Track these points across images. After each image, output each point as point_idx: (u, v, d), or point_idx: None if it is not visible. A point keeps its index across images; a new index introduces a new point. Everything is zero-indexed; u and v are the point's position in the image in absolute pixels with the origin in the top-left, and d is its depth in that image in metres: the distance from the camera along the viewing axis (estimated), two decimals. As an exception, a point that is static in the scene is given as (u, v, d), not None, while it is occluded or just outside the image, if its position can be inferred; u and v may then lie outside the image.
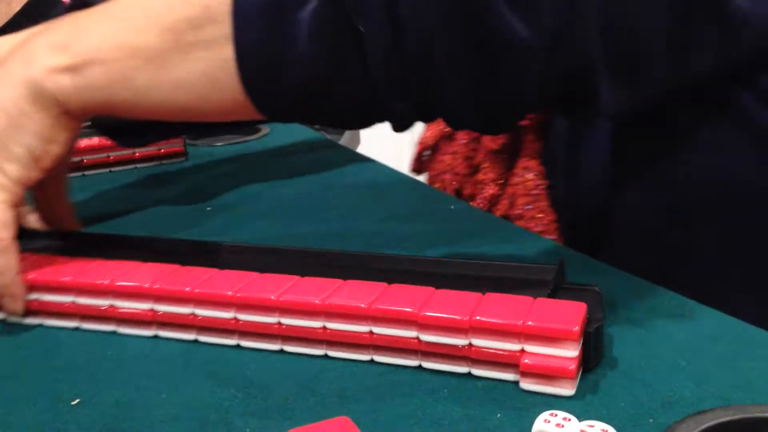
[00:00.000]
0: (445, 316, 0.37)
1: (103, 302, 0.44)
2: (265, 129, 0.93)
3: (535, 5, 0.39)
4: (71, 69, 0.45)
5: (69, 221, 0.57)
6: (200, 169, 0.81)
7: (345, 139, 1.21)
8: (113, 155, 0.80)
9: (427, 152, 0.72)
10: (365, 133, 1.53)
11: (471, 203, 0.67)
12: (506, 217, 0.64)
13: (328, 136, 0.94)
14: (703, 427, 0.31)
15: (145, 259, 0.47)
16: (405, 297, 0.39)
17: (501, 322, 0.36)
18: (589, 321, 0.37)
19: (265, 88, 0.43)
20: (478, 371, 0.38)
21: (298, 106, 0.44)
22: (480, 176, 0.66)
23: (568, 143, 0.60)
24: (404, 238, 0.57)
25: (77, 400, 0.37)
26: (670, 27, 0.42)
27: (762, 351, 0.38)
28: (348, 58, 0.41)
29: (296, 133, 0.92)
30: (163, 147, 0.82)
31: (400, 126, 0.45)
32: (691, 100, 0.50)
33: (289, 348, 0.41)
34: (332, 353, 0.40)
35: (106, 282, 0.44)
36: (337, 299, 0.40)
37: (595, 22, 0.40)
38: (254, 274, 0.43)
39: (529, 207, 0.62)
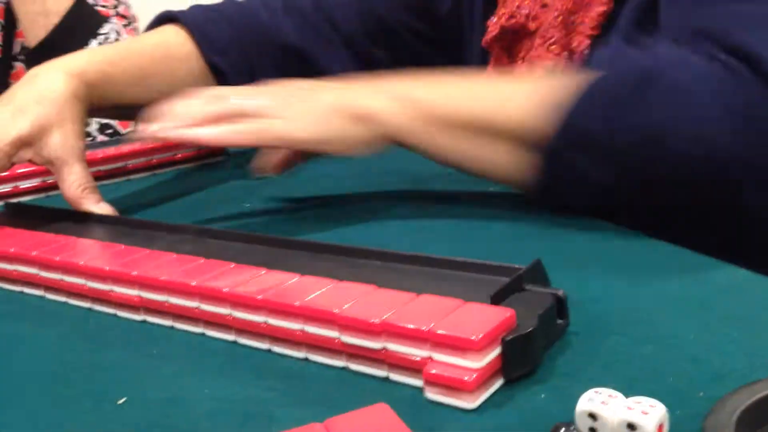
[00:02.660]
0: (361, 318, 0.36)
1: (160, 297, 0.45)
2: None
3: None
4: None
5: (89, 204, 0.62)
6: (240, 166, 0.82)
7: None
8: (156, 158, 0.81)
9: None
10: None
11: None
12: None
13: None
14: (756, 398, 0.30)
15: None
16: (339, 296, 0.39)
17: (410, 327, 0.35)
18: (517, 327, 0.35)
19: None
20: (395, 376, 0.36)
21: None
22: None
23: None
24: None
25: (123, 399, 0.38)
26: None
27: (817, 318, 0.37)
28: None
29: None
30: (204, 147, 0.83)
31: None
32: None
33: (242, 340, 0.42)
34: (275, 348, 0.40)
35: (164, 278, 0.44)
36: (275, 295, 0.40)
37: None
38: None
39: None
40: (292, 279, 0.42)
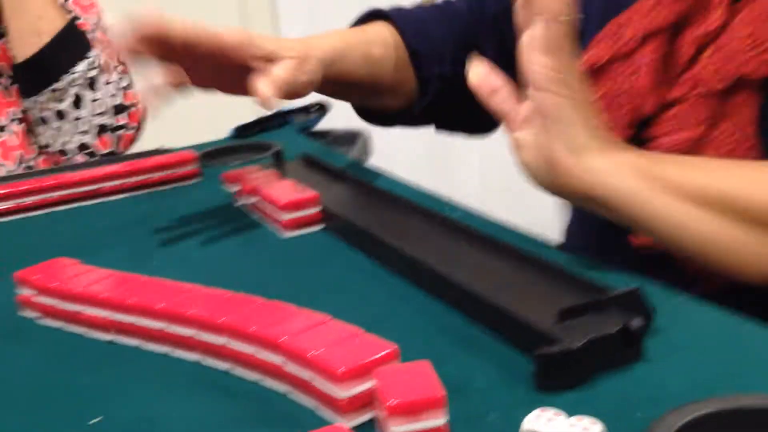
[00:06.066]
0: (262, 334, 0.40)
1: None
2: (276, 146, 0.95)
3: None
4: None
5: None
6: (215, 188, 0.83)
7: (356, 151, 1.23)
8: (131, 181, 0.83)
9: None
10: (378, 146, 1.54)
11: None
12: None
13: (340, 149, 0.96)
14: (691, 417, 0.33)
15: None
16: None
17: (302, 349, 0.38)
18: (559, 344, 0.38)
19: None
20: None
21: None
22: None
23: None
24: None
25: (99, 418, 0.40)
26: None
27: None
28: None
29: (303, 147, 0.94)
30: (179, 170, 0.85)
31: None
32: None
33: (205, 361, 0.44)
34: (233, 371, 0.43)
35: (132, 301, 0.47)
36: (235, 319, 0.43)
37: None
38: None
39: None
40: (257, 302, 0.44)
